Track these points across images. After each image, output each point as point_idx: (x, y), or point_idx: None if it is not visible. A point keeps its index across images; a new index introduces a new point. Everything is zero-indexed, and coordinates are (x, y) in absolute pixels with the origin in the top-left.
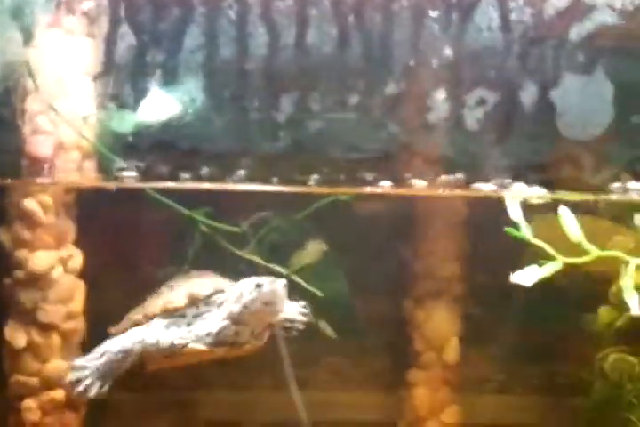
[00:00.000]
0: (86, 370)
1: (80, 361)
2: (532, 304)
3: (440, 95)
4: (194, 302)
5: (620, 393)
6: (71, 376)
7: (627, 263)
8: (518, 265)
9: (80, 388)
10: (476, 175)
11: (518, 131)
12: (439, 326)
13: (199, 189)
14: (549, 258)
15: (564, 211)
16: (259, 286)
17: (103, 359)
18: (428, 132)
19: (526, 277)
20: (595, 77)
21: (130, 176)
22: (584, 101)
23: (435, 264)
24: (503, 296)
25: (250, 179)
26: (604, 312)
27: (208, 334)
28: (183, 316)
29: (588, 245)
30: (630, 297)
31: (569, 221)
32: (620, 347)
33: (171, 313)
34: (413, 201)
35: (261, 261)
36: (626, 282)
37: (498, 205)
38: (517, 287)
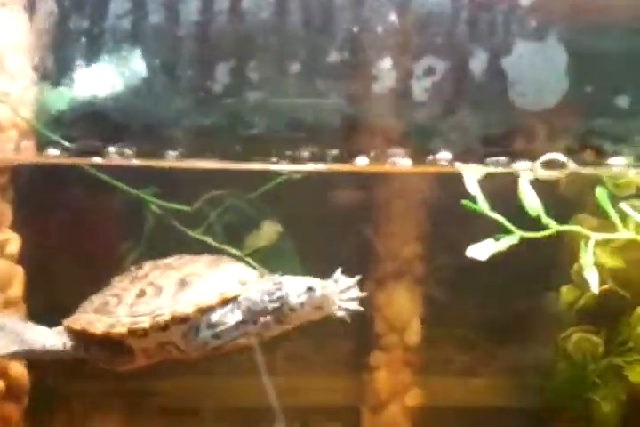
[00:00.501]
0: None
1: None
2: (495, 284)
3: (386, 64)
4: (224, 301)
5: (584, 374)
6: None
7: (587, 239)
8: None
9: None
10: (425, 149)
11: (468, 101)
12: (400, 307)
13: (138, 167)
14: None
15: (522, 183)
16: (310, 289)
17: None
18: (374, 104)
19: (481, 251)
20: (548, 44)
21: (59, 154)
22: (537, 70)
23: (395, 245)
24: (466, 277)
25: (187, 155)
26: (566, 291)
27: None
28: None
29: (546, 219)
30: (590, 275)
31: (527, 194)
32: (583, 326)
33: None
34: (373, 180)
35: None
36: (586, 259)
37: (460, 182)
38: (481, 267)
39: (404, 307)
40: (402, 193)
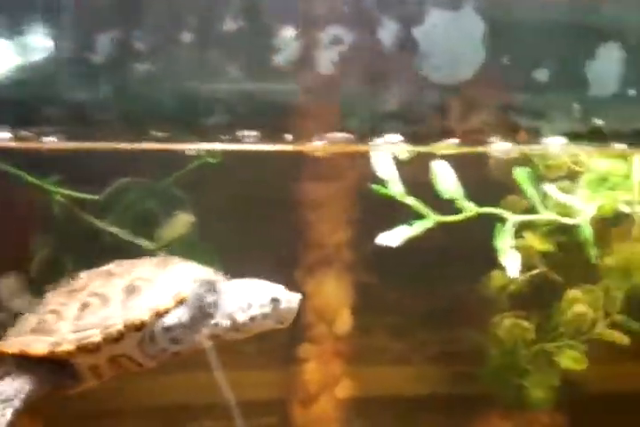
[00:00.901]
0: None
1: None
2: (427, 271)
3: (288, 33)
4: (181, 301)
5: (515, 360)
6: None
7: (505, 221)
8: None
9: None
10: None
11: (378, 74)
12: (330, 296)
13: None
14: None
15: (439, 165)
16: (275, 300)
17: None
18: (275, 77)
19: (393, 237)
20: (463, 13)
21: None
22: (452, 41)
23: (324, 231)
24: (397, 263)
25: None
26: (496, 276)
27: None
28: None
29: (463, 202)
30: (508, 258)
31: (444, 176)
32: (515, 312)
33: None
34: (298, 164)
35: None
36: (503, 241)
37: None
38: (412, 254)
39: (333, 296)
40: (328, 177)
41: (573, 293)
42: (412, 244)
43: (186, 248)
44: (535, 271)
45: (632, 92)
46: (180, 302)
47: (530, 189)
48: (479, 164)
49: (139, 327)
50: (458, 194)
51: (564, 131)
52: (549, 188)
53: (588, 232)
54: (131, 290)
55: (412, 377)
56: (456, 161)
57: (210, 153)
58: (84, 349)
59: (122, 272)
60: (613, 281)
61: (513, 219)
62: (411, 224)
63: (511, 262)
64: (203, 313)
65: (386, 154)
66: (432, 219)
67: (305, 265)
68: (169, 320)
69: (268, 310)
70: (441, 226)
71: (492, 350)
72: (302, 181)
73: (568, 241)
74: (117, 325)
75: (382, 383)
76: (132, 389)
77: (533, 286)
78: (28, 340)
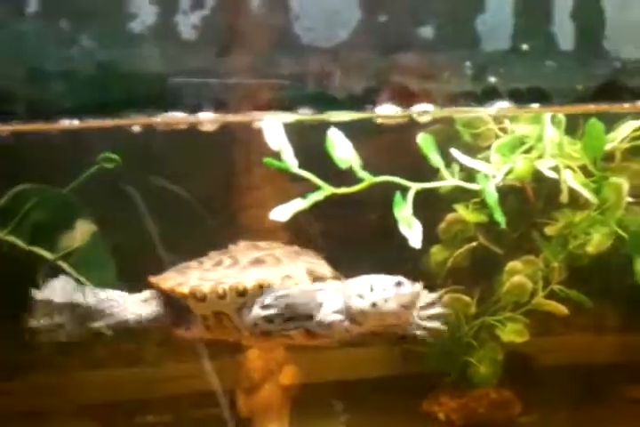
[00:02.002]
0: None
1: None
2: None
3: None
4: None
5: (459, 336)
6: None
7: (406, 190)
8: None
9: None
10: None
11: (245, 39)
12: None
13: None
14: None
15: (333, 133)
16: (399, 284)
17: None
18: (135, 45)
19: (284, 211)
20: None
21: None
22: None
23: (260, 215)
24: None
25: None
26: (436, 251)
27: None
28: None
29: (361, 172)
30: (407, 228)
31: (339, 145)
32: (455, 286)
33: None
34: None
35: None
36: (401, 211)
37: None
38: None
39: None
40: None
41: (513, 264)
42: (347, 219)
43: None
44: (472, 244)
45: (528, 45)
46: (286, 287)
47: (433, 156)
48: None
49: (241, 293)
50: (353, 163)
51: (455, 92)
52: (455, 153)
53: (492, 198)
54: (256, 261)
55: (360, 359)
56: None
57: None
58: (194, 295)
59: (265, 248)
60: (552, 251)
61: (415, 187)
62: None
63: (412, 233)
64: (298, 311)
65: (276, 124)
66: (327, 190)
67: None
68: (268, 299)
69: (390, 293)
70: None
71: None
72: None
73: (508, 211)
74: (225, 284)
75: (329, 367)
76: (65, 386)
77: (475, 260)
78: (169, 276)
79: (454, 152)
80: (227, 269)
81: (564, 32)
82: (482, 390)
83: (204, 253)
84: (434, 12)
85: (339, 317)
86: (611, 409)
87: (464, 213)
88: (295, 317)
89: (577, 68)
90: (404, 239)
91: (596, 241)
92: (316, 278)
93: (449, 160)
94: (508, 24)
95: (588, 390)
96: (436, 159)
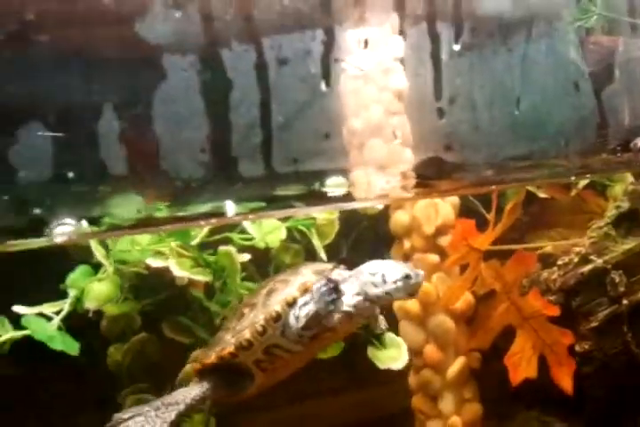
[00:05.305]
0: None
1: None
2: None
3: None
4: (306, 290)
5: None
6: None
7: None
8: None
9: None
10: None
11: None
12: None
13: None
14: None
15: None
16: (407, 277)
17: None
18: None
19: None
20: None
21: None
22: None
23: None
24: None
25: None
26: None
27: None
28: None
29: None
30: None
31: None
32: None
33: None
34: None
35: None
36: None
37: None
38: None
39: None
40: None
41: None
42: None
43: None
44: None
45: None
46: (306, 291)
47: None
48: None
49: (276, 318)
50: None
51: None
52: None
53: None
54: (269, 293)
55: None
56: None
57: None
58: (240, 346)
59: (267, 282)
60: None
61: None
62: None
63: None
64: (325, 300)
65: None
66: None
67: None
68: (296, 311)
69: (401, 284)
70: None
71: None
72: None
73: None
74: (261, 320)
75: None
76: None
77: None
78: (206, 354)
79: None
80: (251, 313)
81: None
82: None
83: None
84: None
85: (360, 298)
86: None
87: None
88: (322, 309)
89: None
90: None
91: None
92: (319, 273)
93: None
94: None
95: None
96: None
